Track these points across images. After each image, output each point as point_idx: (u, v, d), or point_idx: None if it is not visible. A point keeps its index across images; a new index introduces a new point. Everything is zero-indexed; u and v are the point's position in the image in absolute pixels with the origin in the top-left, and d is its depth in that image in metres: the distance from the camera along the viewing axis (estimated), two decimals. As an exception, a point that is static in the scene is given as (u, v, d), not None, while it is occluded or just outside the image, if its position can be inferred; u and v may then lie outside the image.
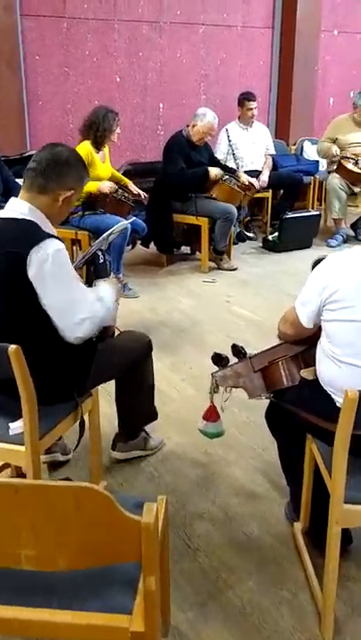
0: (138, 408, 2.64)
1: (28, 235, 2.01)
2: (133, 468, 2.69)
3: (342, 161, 5.85)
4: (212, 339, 3.95)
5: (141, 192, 4.99)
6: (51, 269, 1.97)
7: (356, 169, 5.82)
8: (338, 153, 5.86)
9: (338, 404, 1.93)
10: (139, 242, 5.18)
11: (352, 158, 5.85)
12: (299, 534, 2.22)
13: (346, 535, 2.19)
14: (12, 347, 1.84)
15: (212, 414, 2.47)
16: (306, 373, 2.10)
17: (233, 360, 2.39)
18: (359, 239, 6.19)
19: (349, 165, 5.82)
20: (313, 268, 2.93)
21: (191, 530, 2.33)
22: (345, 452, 1.70)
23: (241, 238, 6.00)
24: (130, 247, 4.86)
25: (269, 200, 6.32)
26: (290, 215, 5.76)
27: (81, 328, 2.03)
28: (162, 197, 5.18)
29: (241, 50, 6.87)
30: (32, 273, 1.96)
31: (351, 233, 6.26)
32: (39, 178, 2.08)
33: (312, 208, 6.84)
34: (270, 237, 5.86)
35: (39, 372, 1.99)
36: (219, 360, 2.38)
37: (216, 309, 4.46)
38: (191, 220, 5.20)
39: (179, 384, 3.41)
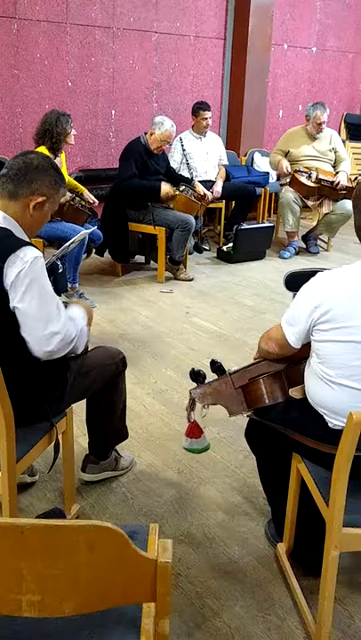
0: (110, 427, 2.53)
1: (3, 243, 1.89)
2: (104, 488, 2.58)
3: (296, 175, 5.89)
4: (174, 351, 3.88)
5: (96, 200, 4.88)
6: (27, 277, 1.86)
7: (309, 182, 5.87)
8: (288, 170, 5.91)
9: (330, 425, 1.89)
10: (93, 251, 5.05)
11: (305, 172, 5.90)
12: (283, 556, 2.16)
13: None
14: (-9, 366, 1.71)
15: (194, 431, 2.39)
16: (295, 392, 2.05)
17: (211, 376, 2.31)
18: (311, 251, 6.26)
19: (303, 179, 5.88)
20: (286, 282, 2.93)
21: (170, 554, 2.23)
22: (345, 477, 1.65)
23: (197, 249, 5.96)
24: (85, 256, 4.72)
25: (223, 211, 6.31)
26: (244, 226, 5.76)
27: (51, 342, 1.90)
28: (117, 205, 5.08)
29: (193, 59, 6.86)
30: (8, 281, 1.85)
31: (303, 245, 6.31)
32: (9, 184, 1.98)
33: (263, 219, 6.89)
34: (225, 248, 5.84)
35: (13, 391, 1.87)
36: (196, 377, 2.30)
37: (176, 321, 4.39)
38: (148, 229, 5.12)
39: (145, 399, 3.31)
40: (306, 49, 7.79)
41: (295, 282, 2.89)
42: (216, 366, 2.27)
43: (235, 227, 5.84)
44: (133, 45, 6.36)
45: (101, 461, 2.57)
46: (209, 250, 6.19)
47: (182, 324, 4.33)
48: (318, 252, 6.27)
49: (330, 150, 6.07)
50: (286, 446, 2.09)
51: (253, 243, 5.81)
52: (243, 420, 2.72)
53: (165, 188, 5.02)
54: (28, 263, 1.85)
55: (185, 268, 5.38)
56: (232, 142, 7.28)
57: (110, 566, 1.15)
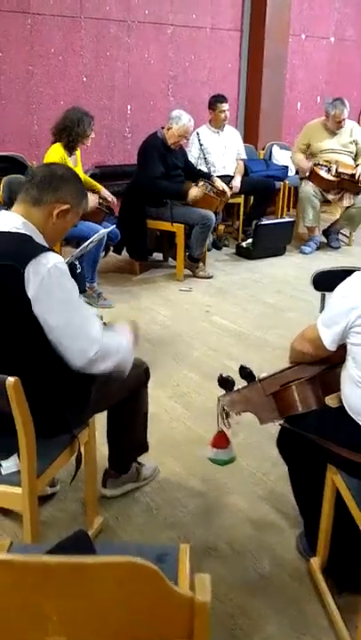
0: (132, 440, 2.44)
1: (24, 249, 1.81)
2: (127, 499, 2.48)
3: (315, 168, 5.76)
4: (195, 352, 3.78)
5: (113, 197, 4.78)
6: (52, 285, 1.77)
7: (329, 176, 5.73)
8: (308, 168, 5.78)
9: (368, 434, 1.79)
10: (111, 249, 4.96)
11: (325, 165, 5.76)
12: (317, 571, 2.06)
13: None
14: (11, 379, 1.62)
15: (221, 441, 2.29)
16: (330, 400, 1.94)
17: (240, 382, 2.21)
18: (332, 246, 6.12)
19: (322, 173, 5.74)
20: (314, 281, 2.81)
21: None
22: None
23: (216, 246, 5.83)
24: (103, 254, 4.63)
25: (241, 206, 6.19)
26: (264, 222, 5.64)
27: (87, 353, 1.82)
28: (135, 202, 4.98)
29: (210, 52, 6.72)
30: (31, 292, 1.75)
31: (324, 240, 6.17)
32: (33, 190, 1.91)
33: (282, 214, 6.76)
34: (244, 244, 5.72)
35: (34, 402, 1.78)
36: (224, 383, 2.20)
37: (196, 320, 4.29)
38: (166, 226, 5.01)
39: (166, 403, 3.21)
40: (324, 39, 7.61)
41: (324, 281, 2.78)
42: (246, 372, 2.17)
43: (254, 222, 5.72)
44: (149, 39, 6.24)
45: (122, 475, 2.48)
46: (228, 246, 6.06)
47: (202, 324, 4.23)
48: (340, 247, 6.14)
49: (351, 143, 5.93)
50: (321, 456, 1.98)
51: (273, 238, 5.69)
52: (270, 425, 2.62)
53: (193, 192, 4.92)
54: (51, 270, 1.76)
55: (204, 265, 5.27)
56: (250, 136, 7.13)
57: (142, 604, 1.06)
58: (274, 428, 2.69)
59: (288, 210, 7.00)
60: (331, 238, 6.17)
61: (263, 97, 7.01)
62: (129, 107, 6.31)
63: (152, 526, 2.34)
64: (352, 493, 1.79)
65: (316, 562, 2.08)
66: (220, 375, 2.20)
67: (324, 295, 2.83)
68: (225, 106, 5.89)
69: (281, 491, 2.53)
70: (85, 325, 1.84)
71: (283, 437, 2.18)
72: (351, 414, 1.84)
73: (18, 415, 1.67)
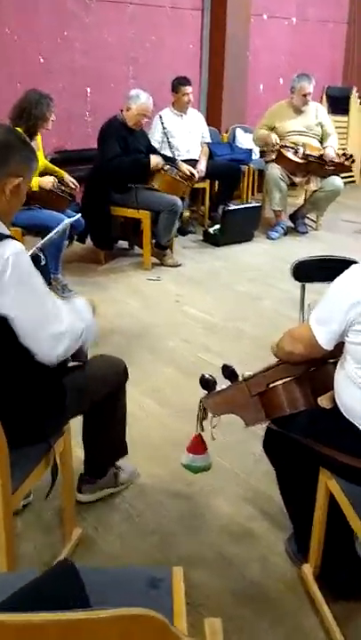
0: (109, 443, 2.30)
1: None
2: (106, 505, 2.35)
3: (282, 150, 5.65)
4: (169, 344, 3.65)
5: (76, 183, 4.58)
6: (13, 277, 1.61)
7: (296, 158, 5.63)
8: (277, 142, 5.65)
9: (365, 436, 1.69)
10: (75, 237, 4.76)
11: (291, 147, 5.66)
12: (311, 578, 1.96)
13: (359, 575, 1.97)
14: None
15: (198, 446, 2.18)
16: (324, 401, 1.84)
17: (222, 381, 2.09)
18: (299, 231, 6.03)
19: (289, 155, 5.63)
20: (293, 272, 2.70)
21: (186, 580, 2.01)
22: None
23: (183, 232, 5.68)
24: (67, 244, 4.44)
25: (207, 191, 6.05)
26: (232, 207, 5.51)
27: (58, 345, 1.70)
28: (99, 189, 4.79)
29: (171, 32, 6.52)
30: None
31: (291, 224, 6.08)
32: None
33: (248, 198, 6.65)
34: (211, 230, 5.59)
35: (4, 409, 1.63)
36: (206, 384, 2.08)
37: (167, 311, 4.15)
38: (132, 213, 4.84)
39: (141, 399, 3.08)
40: (286, 19, 7.49)
41: (303, 271, 2.68)
42: (229, 371, 2.05)
43: (221, 207, 5.59)
44: (108, 18, 6.00)
45: (99, 479, 2.34)
46: (194, 232, 5.92)
47: (174, 314, 4.09)
48: (307, 232, 6.06)
49: (316, 125, 5.84)
50: (311, 459, 1.88)
51: (241, 224, 5.57)
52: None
53: (155, 158, 4.76)
54: (10, 261, 1.59)
55: (172, 252, 5.13)
56: (213, 118, 6.97)
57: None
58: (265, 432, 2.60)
59: (253, 194, 6.89)
60: (298, 223, 6.08)
61: (226, 79, 6.86)
62: (89, 89, 6.08)
63: (134, 535, 2.22)
64: (350, 501, 1.69)
65: (308, 569, 1.99)
66: (203, 376, 2.08)
67: (304, 286, 2.73)
68: (188, 89, 5.73)
69: (265, 490, 2.44)
70: (51, 321, 1.70)
71: (269, 439, 2.08)
72: (349, 417, 1.73)
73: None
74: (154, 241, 4.97)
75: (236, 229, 5.53)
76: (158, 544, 2.18)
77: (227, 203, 5.86)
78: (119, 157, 4.68)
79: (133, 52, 6.28)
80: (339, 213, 6.39)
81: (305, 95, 5.65)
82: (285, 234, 5.92)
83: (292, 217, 6.10)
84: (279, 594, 1.98)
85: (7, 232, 1.71)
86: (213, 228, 5.58)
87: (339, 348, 1.82)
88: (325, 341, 1.75)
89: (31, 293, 1.66)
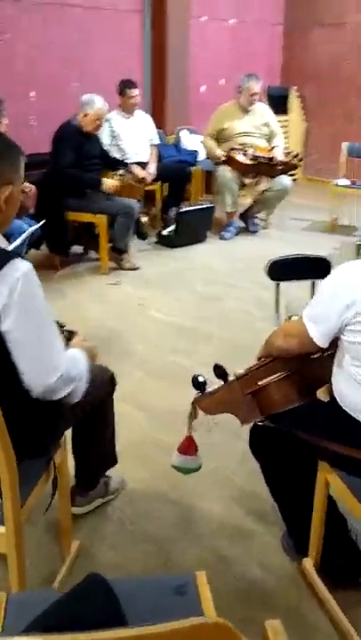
0: (100, 453, 2.27)
1: None
2: (98, 516, 2.32)
3: (231, 153, 5.71)
4: (138, 348, 3.63)
5: (32, 186, 4.49)
6: (22, 297, 1.54)
7: (245, 160, 5.70)
8: (222, 156, 5.73)
9: (369, 430, 1.73)
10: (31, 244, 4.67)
11: (240, 149, 5.73)
12: (313, 572, 1.99)
13: (358, 562, 2.02)
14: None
15: (190, 447, 2.17)
16: (322, 395, 1.87)
17: (213, 382, 2.09)
18: (250, 230, 6.11)
19: (239, 157, 5.69)
20: (268, 272, 2.74)
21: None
22: None
23: (143, 236, 5.65)
24: (26, 251, 4.35)
25: (157, 193, 6.05)
26: (186, 209, 5.53)
27: (51, 376, 1.62)
28: (53, 194, 4.71)
29: (112, 35, 6.48)
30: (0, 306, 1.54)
31: (242, 224, 6.15)
32: None
33: (196, 200, 6.68)
34: (166, 232, 5.59)
35: (9, 424, 1.59)
36: (198, 385, 2.08)
37: (131, 315, 4.12)
38: (87, 217, 4.79)
39: (119, 406, 3.02)
40: (224, 21, 7.57)
41: (277, 270, 2.72)
42: (220, 371, 2.05)
43: (174, 209, 5.60)
44: (49, 21, 5.92)
45: (91, 491, 2.31)
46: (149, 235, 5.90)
47: (138, 318, 4.07)
48: (258, 231, 6.14)
49: (263, 125, 5.92)
50: (307, 453, 1.91)
51: (195, 225, 5.60)
52: (229, 423, 2.54)
53: (108, 182, 4.76)
54: (20, 280, 1.54)
55: (129, 256, 5.10)
56: (158, 120, 6.93)
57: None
58: (234, 424, 2.62)
59: (201, 195, 6.93)
60: (249, 222, 6.16)
61: (168, 81, 6.88)
62: (32, 93, 5.98)
63: (130, 543, 2.20)
64: (355, 494, 1.72)
65: (309, 563, 2.02)
66: (194, 377, 2.07)
67: (278, 285, 2.77)
68: (135, 91, 5.71)
69: (252, 489, 2.46)
70: (52, 346, 1.64)
71: (256, 436, 2.10)
72: (349, 411, 1.77)
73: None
74: (111, 245, 4.93)
75: (190, 231, 5.55)
76: (156, 551, 2.17)
77: (178, 204, 5.88)
78: (75, 168, 4.63)
79: (76, 55, 6.21)
80: (287, 211, 6.50)
81: (253, 95, 5.72)
82: (237, 233, 5.99)
83: (243, 217, 6.17)
84: (283, 590, 2.00)
85: (7, 245, 1.66)
86: (167, 230, 5.58)
87: (331, 343, 1.86)
88: (320, 338, 1.77)
89: (37, 317, 1.60)
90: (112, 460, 2.34)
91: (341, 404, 1.79)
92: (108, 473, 2.41)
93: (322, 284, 1.82)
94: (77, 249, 5.32)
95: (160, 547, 2.18)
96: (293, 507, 2.08)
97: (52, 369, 1.62)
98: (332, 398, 1.85)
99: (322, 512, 1.93)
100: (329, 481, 1.87)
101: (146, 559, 2.13)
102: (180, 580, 1.42)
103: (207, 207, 5.79)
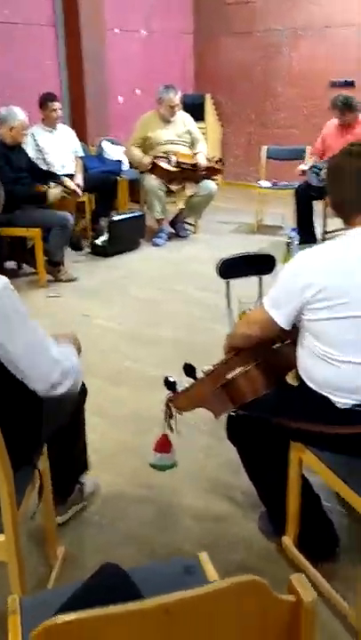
0: (74, 460, 2.31)
1: None
2: (77, 522, 2.35)
3: (156, 161, 5.83)
4: (92, 358, 3.64)
5: None
6: (6, 309, 1.60)
7: (170, 167, 5.84)
8: (149, 162, 5.85)
9: (338, 405, 1.86)
10: None
11: (164, 157, 5.86)
12: (293, 548, 2.11)
13: (333, 537, 2.15)
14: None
15: (165, 445, 2.26)
16: (292, 380, 1.99)
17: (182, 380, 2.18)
18: (180, 235, 6.25)
19: (163, 164, 5.83)
20: (219, 271, 2.86)
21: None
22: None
23: (77, 247, 5.66)
24: None
25: (87, 204, 6.08)
26: (117, 218, 5.60)
27: (53, 372, 1.69)
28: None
29: (27, 49, 6.47)
30: None
31: (172, 230, 6.28)
32: None
33: (124, 208, 6.75)
34: (99, 242, 5.63)
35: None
36: (169, 385, 2.16)
37: (78, 325, 4.11)
38: (21, 232, 4.78)
39: (81, 415, 3.07)
40: (136, 32, 7.70)
41: (228, 269, 2.84)
42: (190, 369, 2.15)
43: (105, 219, 5.66)
44: None
45: (68, 498, 2.34)
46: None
47: (87, 328, 4.09)
48: (188, 236, 6.29)
49: (185, 132, 6.08)
50: (280, 436, 2.02)
51: (128, 233, 5.68)
52: (192, 418, 2.64)
53: (53, 192, 4.78)
54: (1, 293, 1.59)
55: (64, 268, 5.11)
56: (79, 132, 6.97)
57: (252, 622, 1.02)
58: (193, 418, 2.73)
59: (127, 204, 7.00)
60: (178, 228, 6.29)
61: (87, 93, 6.94)
62: None
63: (112, 544, 2.24)
64: (330, 467, 1.85)
65: (288, 540, 2.14)
66: (165, 378, 2.16)
67: (228, 282, 2.90)
68: (56, 104, 5.73)
69: (223, 479, 2.57)
70: (44, 348, 1.70)
71: (232, 425, 2.19)
72: (316, 388, 1.89)
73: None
74: (46, 258, 4.93)
75: (123, 239, 5.63)
76: (140, 548, 2.22)
77: (107, 214, 5.94)
78: (11, 184, 4.61)
79: (-9, 71, 6.17)
80: (213, 216, 6.67)
81: (173, 107, 5.87)
82: (169, 239, 6.11)
83: (172, 223, 6.30)
84: (267, 568, 2.11)
85: None
86: (101, 240, 5.63)
87: (290, 330, 1.98)
88: (284, 322, 1.89)
89: (22, 324, 1.65)
90: (85, 466, 2.39)
91: (308, 382, 1.92)
92: (81, 480, 2.44)
93: (281, 273, 1.94)
94: (10, 264, 5.28)
95: (143, 543, 2.24)
96: (271, 488, 2.18)
97: (51, 367, 1.69)
98: (301, 382, 1.98)
99: (297, 490, 2.05)
100: (302, 459, 1.99)
101: (132, 556, 2.17)
102: (186, 561, 1.50)
103: (138, 215, 5.88)
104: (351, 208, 1.90)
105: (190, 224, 6.45)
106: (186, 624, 0.94)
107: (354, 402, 1.83)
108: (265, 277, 2.88)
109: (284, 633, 1.06)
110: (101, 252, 5.61)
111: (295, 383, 2.00)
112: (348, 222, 1.93)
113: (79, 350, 2.05)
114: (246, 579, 0.98)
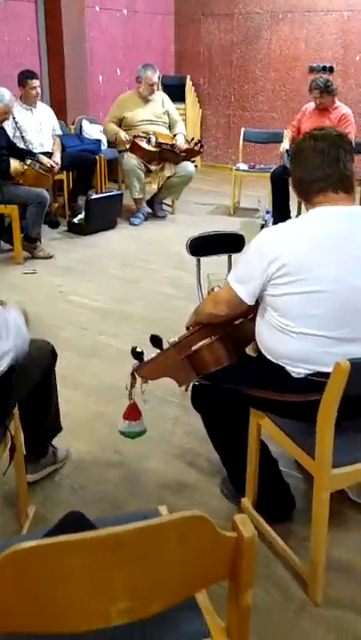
0: (47, 421, 2.42)
1: None
2: (49, 484, 2.47)
3: (135, 140, 5.88)
4: (65, 333, 3.75)
5: None
6: None
7: (149, 147, 5.90)
8: (127, 138, 5.90)
9: (294, 375, 1.97)
10: None
11: (144, 136, 5.91)
12: (251, 509, 2.24)
13: (289, 500, 2.29)
14: None
15: (134, 413, 2.37)
16: (251, 352, 2.11)
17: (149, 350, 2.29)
18: (158, 215, 6.33)
19: (143, 144, 5.88)
20: (189, 248, 2.96)
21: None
22: (332, 423, 1.75)
23: (54, 224, 5.72)
24: None
25: (65, 182, 6.13)
26: (95, 196, 5.65)
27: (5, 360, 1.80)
28: None
29: (6, 25, 6.45)
30: None
31: (150, 210, 6.34)
32: None
33: (101, 188, 6.80)
34: (76, 220, 5.70)
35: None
36: (136, 355, 2.27)
37: (53, 302, 4.23)
38: (-1, 208, 4.83)
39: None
40: (117, 11, 7.69)
41: (198, 246, 2.95)
42: (157, 340, 2.25)
43: (83, 197, 5.72)
44: None
45: (41, 458, 2.45)
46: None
47: (61, 305, 4.19)
48: (165, 216, 6.37)
49: (163, 113, 6.14)
50: (241, 404, 2.14)
51: (105, 212, 5.74)
52: (160, 389, 2.75)
53: (14, 164, 4.77)
54: None
55: (41, 244, 5.18)
56: (58, 111, 6.99)
57: (198, 554, 1.14)
58: (161, 390, 2.84)
59: (105, 183, 7.05)
60: (156, 208, 6.37)
61: (67, 71, 6.93)
62: None
63: (82, 506, 2.34)
64: (287, 432, 1.97)
65: (247, 501, 2.27)
66: (132, 348, 2.26)
67: (199, 260, 3.00)
68: (35, 82, 5.74)
69: (189, 446, 2.70)
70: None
71: (197, 394, 2.31)
72: (272, 359, 2.01)
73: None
74: (23, 234, 4.99)
75: (100, 218, 5.69)
76: (108, 510, 2.34)
77: (85, 193, 6.00)
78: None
79: (-29, 46, 6.15)
80: (191, 197, 6.75)
81: (151, 85, 5.92)
82: (146, 219, 6.19)
83: (150, 203, 6.37)
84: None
85: None
86: (78, 218, 5.69)
87: (252, 306, 2.10)
88: (247, 297, 2.00)
89: None
90: (58, 428, 2.50)
91: (266, 354, 2.04)
92: (55, 444, 2.55)
93: (246, 249, 2.05)
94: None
95: (112, 505, 2.36)
96: (232, 453, 2.31)
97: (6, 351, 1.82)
98: (259, 353, 2.10)
99: (255, 454, 2.18)
100: (261, 425, 2.11)
101: (100, 515, 2.29)
102: (147, 512, 1.62)
103: (116, 194, 5.95)
104: (311, 188, 2.00)
105: (168, 205, 6.53)
106: (136, 552, 1.06)
107: (307, 371, 1.95)
108: (234, 256, 2.99)
109: (228, 567, 1.18)
110: (78, 231, 5.67)
111: (254, 354, 2.12)
112: (309, 202, 2.04)
113: (25, 315, 2.15)
114: (192, 513, 1.09)
